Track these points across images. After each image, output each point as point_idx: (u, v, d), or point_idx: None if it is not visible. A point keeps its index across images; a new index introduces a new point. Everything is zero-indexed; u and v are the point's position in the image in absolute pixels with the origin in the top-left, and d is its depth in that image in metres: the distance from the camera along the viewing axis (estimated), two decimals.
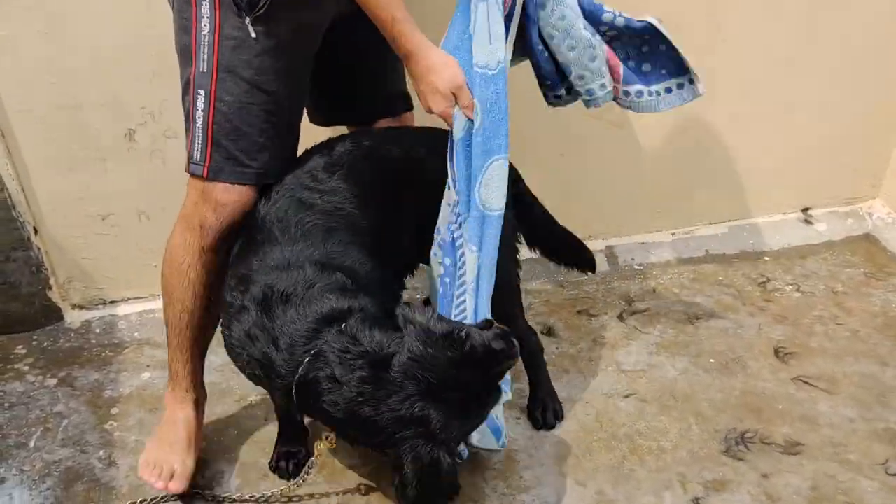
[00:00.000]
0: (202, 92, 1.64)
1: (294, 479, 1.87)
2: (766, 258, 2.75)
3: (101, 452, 2.01)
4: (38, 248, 2.31)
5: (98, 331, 2.42)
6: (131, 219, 2.35)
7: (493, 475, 1.95)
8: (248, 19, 1.58)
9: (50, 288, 2.38)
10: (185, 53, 1.65)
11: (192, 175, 1.72)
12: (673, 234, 2.81)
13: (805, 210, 2.89)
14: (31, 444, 2.03)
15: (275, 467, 1.96)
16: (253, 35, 1.59)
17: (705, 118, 2.61)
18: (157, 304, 2.46)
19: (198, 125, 1.66)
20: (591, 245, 2.73)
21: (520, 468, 1.96)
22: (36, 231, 2.30)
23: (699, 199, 2.79)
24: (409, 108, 2.06)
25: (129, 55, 2.10)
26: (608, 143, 2.58)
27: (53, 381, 2.24)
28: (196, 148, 1.68)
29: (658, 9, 2.40)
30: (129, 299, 2.49)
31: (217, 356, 2.32)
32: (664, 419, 2.10)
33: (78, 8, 2.02)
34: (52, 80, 2.09)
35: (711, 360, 2.29)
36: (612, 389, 2.19)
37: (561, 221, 2.70)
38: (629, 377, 2.23)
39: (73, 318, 2.45)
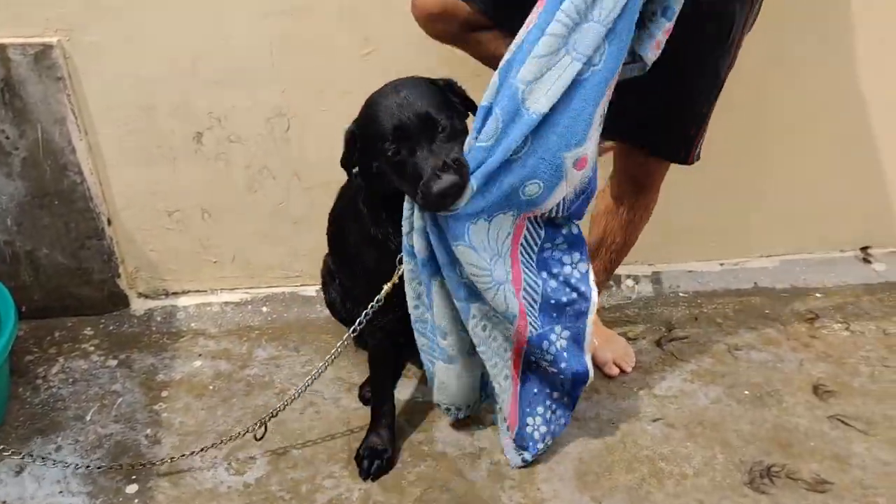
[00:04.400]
0: None
1: (370, 480, 1.98)
2: (818, 294, 2.69)
3: (149, 430, 2.15)
4: (111, 238, 2.49)
5: (159, 319, 2.58)
6: (195, 216, 2.51)
7: (511, 485, 1.99)
8: None
9: (119, 276, 2.55)
10: None
11: None
12: (722, 264, 2.79)
13: (864, 249, 2.83)
14: (88, 417, 2.20)
15: (358, 461, 2.03)
16: None
17: (764, 149, 2.59)
18: (214, 298, 2.63)
19: None
20: (637, 270, 2.76)
21: (539, 480, 2.00)
22: (109, 222, 2.47)
23: (752, 231, 2.76)
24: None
25: (200, 64, 2.25)
26: None
27: (114, 363, 2.40)
28: None
29: None
30: (188, 291, 2.64)
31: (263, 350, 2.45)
32: (689, 445, 2.09)
33: (158, 18, 2.18)
34: (132, 83, 2.26)
35: (746, 392, 2.26)
36: (641, 413, 2.20)
37: None
38: (659, 402, 2.24)
39: (137, 305, 2.62)
